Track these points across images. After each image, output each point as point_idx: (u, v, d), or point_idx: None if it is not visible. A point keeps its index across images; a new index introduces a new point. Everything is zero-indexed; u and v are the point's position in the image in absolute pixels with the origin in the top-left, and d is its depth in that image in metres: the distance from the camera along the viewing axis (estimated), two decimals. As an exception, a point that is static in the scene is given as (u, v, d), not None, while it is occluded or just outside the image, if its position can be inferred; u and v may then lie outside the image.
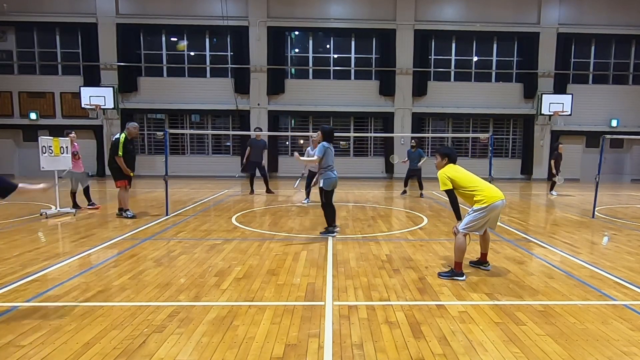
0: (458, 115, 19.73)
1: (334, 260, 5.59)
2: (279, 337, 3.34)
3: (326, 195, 7.01)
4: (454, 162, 5.07)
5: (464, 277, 4.80)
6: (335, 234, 7.07)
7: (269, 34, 18.84)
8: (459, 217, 4.89)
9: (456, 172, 4.93)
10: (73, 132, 9.82)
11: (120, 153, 8.20)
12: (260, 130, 13.93)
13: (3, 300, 4.04)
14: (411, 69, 19.16)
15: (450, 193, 4.88)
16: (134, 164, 8.69)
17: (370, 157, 20.07)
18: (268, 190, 12.91)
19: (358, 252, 6.00)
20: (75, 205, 9.43)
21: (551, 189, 13.78)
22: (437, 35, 19.39)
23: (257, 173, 12.77)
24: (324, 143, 6.87)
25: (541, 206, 11.43)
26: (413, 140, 13.07)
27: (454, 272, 4.83)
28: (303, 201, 10.89)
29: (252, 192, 12.82)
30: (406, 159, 13.11)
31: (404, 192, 13.17)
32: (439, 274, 4.93)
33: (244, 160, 12.84)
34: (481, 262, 5.25)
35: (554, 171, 13.38)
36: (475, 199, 4.82)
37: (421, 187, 13.01)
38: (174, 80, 19.29)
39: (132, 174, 8.53)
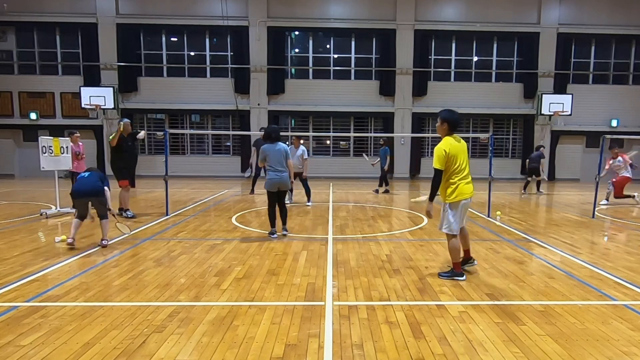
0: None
1: (334, 260, 5.59)
2: (279, 337, 3.34)
3: (267, 196, 6.92)
4: (455, 129, 4.74)
5: (464, 277, 4.79)
6: (275, 236, 6.86)
7: (269, 34, 18.85)
8: (432, 198, 4.78)
9: (455, 149, 4.62)
10: (77, 132, 9.79)
11: (110, 139, 8.19)
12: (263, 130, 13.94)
13: (3, 300, 4.04)
14: (411, 69, 19.16)
15: (438, 174, 4.64)
16: (135, 163, 8.70)
17: (370, 157, 20.04)
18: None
19: (358, 252, 5.99)
20: None
21: (538, 188, 13.95)
22: (437, 35, 19.39)
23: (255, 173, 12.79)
24: (263, 146, 6.84)
25: (541, 206, 11.43)
26: (382, 139, 13.56)
27: (454, 272, 4.83)
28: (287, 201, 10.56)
29: (252, 192, 12.82)
30: (378, 159, 13.65)
31: (386, 191, 13.51)
32: (439, 274, 4.93)
33: (250, 160, 12.79)
34: (466, 260, 5.13)
35: (544, 170, 14.02)
36: (448, 190, 4.70)
37: (381, 184, 13.64)
38: (174, 80, 19.30)
39: (140, 132, 8.63)
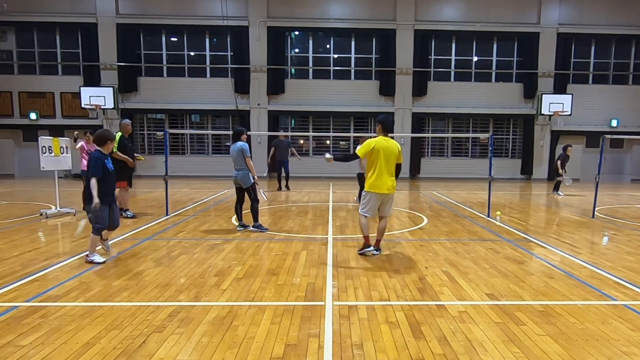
0: (458, 115, 19.73)
1: (334, 260, 5.59)
2: (279, 337, 3.34)
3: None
4: (388, 131, 5.63)
5: (370, 248, 5.70)
6: (240, 229, 7.46)
7: (269, 34, 18.84)
8: (335, 158, 5.83)
9: (380, 146, 5.45)
10: (89, 133, 9.70)
11: (115, 150, 8.16)
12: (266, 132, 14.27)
13: (3, 300, 4.04)
14: (411, 69, 19.16)
15: (353, 157, 5.62)
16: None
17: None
18: (287, 187, 13.88)
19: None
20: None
21: (556, 189, 13.73)
22: (437, 35, 19.39)
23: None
24: None
25: (541, 206, 11.43)
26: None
27: (365, 245, 5.72)
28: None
29: (280, 188, 13.67)
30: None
31: (279, 188, 13.82)
32: (358, 252, 5.79)
33: (269, 160, 13.60)
34: (375, 247, 5.82)
35: (560, 171, 13.42)
36: (367, 179, 5.58)
37: (286, 181, 13.96)
38: (174, 80, 19.29)
39: (141, 158, 8.97)
